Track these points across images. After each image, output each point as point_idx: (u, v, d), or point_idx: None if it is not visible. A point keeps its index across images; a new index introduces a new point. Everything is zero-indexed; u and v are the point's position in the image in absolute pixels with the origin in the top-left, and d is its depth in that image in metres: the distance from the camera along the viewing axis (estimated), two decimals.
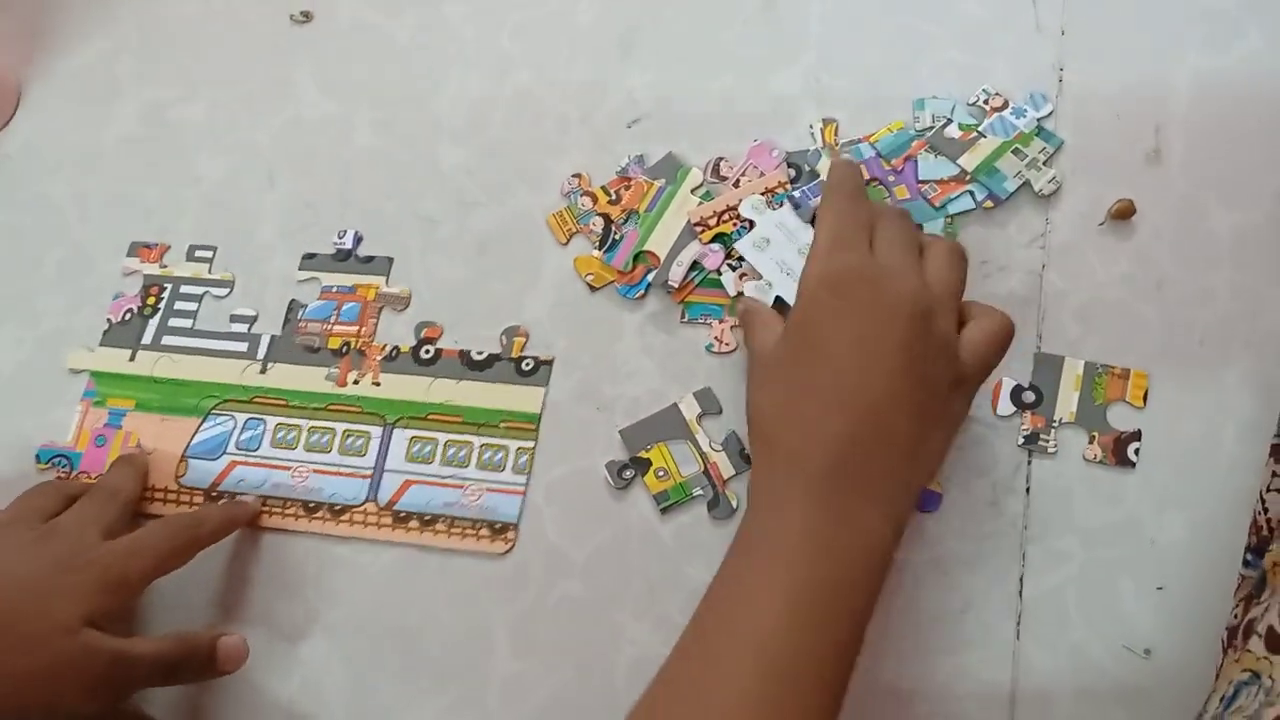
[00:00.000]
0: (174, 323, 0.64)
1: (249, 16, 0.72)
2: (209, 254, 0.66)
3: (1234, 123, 0.59)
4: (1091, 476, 0.54)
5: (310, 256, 0.65)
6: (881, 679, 0.52)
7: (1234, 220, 0.57)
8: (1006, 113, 0.60)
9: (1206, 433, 0.54)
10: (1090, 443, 0.54)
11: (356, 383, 0.61)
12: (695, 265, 0.60)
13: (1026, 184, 0.59)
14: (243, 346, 0.63)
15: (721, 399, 0.58)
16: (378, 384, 0.61)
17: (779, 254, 0.57)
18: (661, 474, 0.57)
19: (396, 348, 0.62)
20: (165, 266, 0.66)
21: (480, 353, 0.61)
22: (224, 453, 0.61)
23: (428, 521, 0.58)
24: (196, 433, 0.62)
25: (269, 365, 0.63)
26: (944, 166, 0.59)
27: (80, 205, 0.68)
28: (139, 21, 0.73)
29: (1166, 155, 0.59)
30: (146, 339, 0.64)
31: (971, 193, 0.59)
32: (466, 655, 0.56)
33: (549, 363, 0.60)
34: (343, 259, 0.64)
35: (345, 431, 0.60)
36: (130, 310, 0.65)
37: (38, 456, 0.62)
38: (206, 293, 0.65)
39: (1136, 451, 0.54)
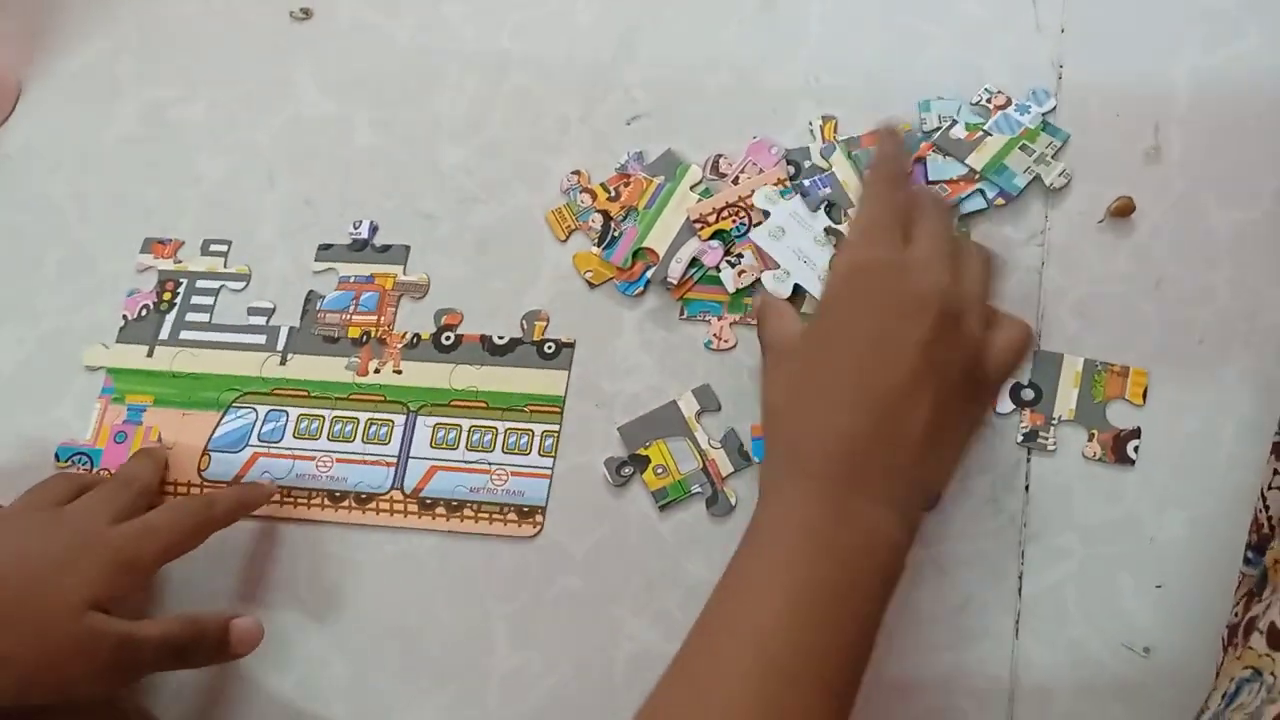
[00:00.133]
0: (191, 317, 0.64)
1: (249, 16, 0.72)
2: (224, 248, 0.66)
3: (1233, 121, 0.59)
4: (1091, 474, 0.54)
5: (326, 247, 0.65)
6: (882, 674, 0.52)
7: (1233, 218, 0.57)
8: (1011, 110, 0.60)
9: (1206, 431, 0.54)
10: (1089, 440, 0.54)
11: (378, 371, 0.61)
12: (694, 262, 0.60)
13: (1036, 179, 0.59)
14: (261, 339, 0.63)
15: (720, 396, 0.58)
16: (399, 372, 0.61)
17: (795, 242, 0.58)
18: (660, 471, 0.57)
19: (417, 335, 0.62)
20: (180, 262, 0.66)
21: (501, 337, 0.61)
22: (246, 445, 0.61)
23: (454, 507, 0.58)
24: (218, 426, 0.62)
25: (289, 357, 0.63)
26: (953, 167, 0.59)
27: (80, 205, 0.68)
28: (139, 21, 0.73)
29: (1166, 153, 0.59)
30: (164, 334, 0.64)
31: (982, 191, 0.59)
32: (466, 651, 0.56)
33: (571, 345, 0.60)
34: (359, 249, 0.64)
35: (369, 420, 0.60)
36: (146, 306, 0.65)
37: (57, 455, 0.62)
38: (223, 286, 0.65)
39: (1136, 449, 0.54)
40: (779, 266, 0.58)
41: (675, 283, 0.60)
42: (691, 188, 0.61)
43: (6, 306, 0.67)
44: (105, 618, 0.49)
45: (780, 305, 0.53)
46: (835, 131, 0.62)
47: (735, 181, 0.61)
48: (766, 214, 0.60)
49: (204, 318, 0.64)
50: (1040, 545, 0.53)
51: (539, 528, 0.57)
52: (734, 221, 0.60)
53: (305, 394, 0.62)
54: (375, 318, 0.63)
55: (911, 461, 0.45)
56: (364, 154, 0.67)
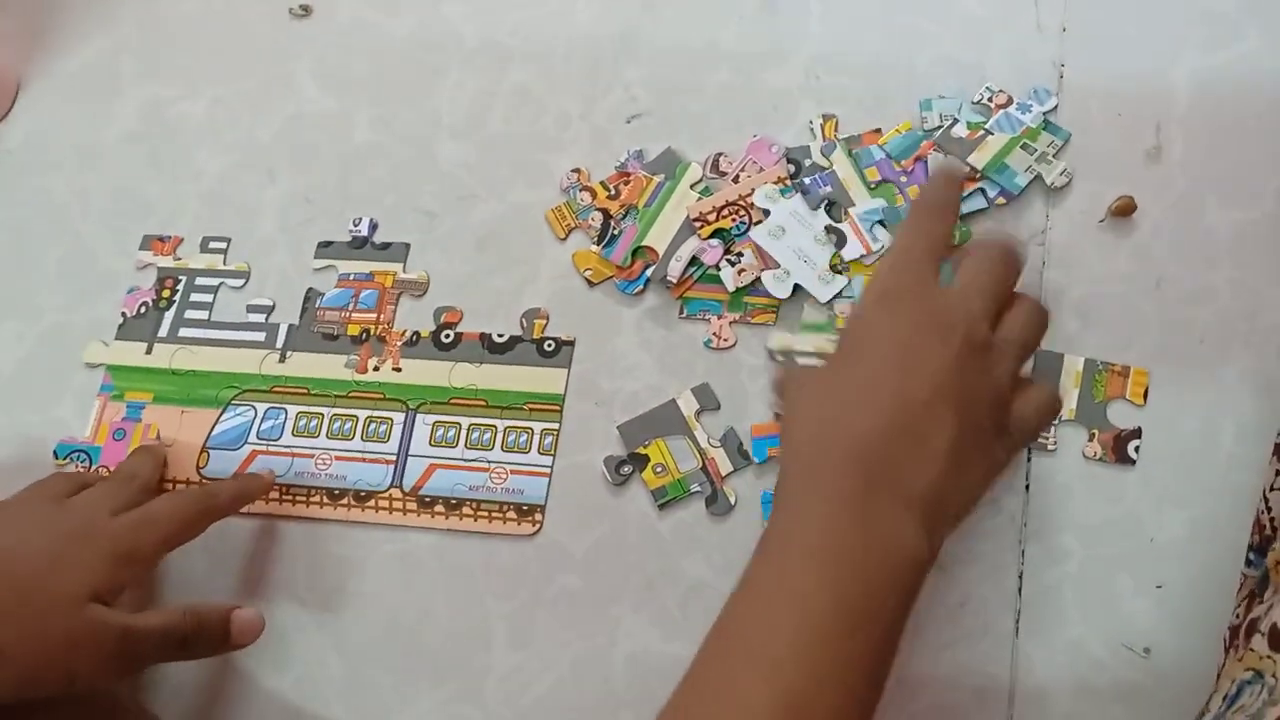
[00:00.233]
0: (190, 314, 0.64)
1: (249, 13, 0.72)
2: (223, 245, 0.66)
3: (1234, 121, 0.59)
4: (1091, 474, 0.54)
5: (326, 244, 0.65)
6: None
7: (1234, 218, 0.57)
8: (1012, 109, 0.60)
9: (1206, 431, 0.54)
10: (1090, 440, 0.54)
11: (377, 369, 0.61)
12: (694, 260, 0.60)
13: (1037, 179, 0.58)
14: (261, 336, 0.63)
15: (720, 395, 0.58)
16: (398, 369, 0.61)
17: (795, 241, 0.58)
18: (659, 470, 0.57)
19: (416, 333, 0.62)
20: (179, 259, 0.66)
21: (501, 335, 0.61)
22: (245, 443, 0.61)
23: (453, 505, 0.58)
24: (217, 423, 0.62)
25: (288, 354, 0.63)
26: None
27: (81, 202, 0.68)
28: (139, 19, 0.73)
29: (1167, 153, 0.59)
30: (163, 332, 0.64)
31: (983, 190, 0.59)
32: (464, 649, 0.56)
33: (570, 343, 0.60)
34: (359, 246, 0.64)
35: (368, 418, 0.60)
36: (145, 303, 0.65)
37: (55, 452, 0.62)
38: (222, 284, 0.65)
39: (1136, 449, 0.54)
40: (779, 266, 0.58)
41: (675, 281, 0.59)
42: (692, 186, 0.61)
43: (6, 303, 0.67)
44: (106, 609, 0.49)
45: (799, 371, 0.52)
46: (836, 130, 0.62)
47: (735, 180, 0.61)
48: (766, 213, 0.60)
49: (203, 315, 0.64)
50: (1040, 545, 0.53)
51: (538, 526, 0.57)
52: (734, 220, 0.60)
53: (304, 391, 0.62)
54: (375, 315, 0.63)
55: (935, 474, 0.43)
56: (364, 151, 0.67)
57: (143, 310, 0.65)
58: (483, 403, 0.60)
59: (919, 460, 0.43)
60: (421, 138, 0.66)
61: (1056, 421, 0.55)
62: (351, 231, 0.65)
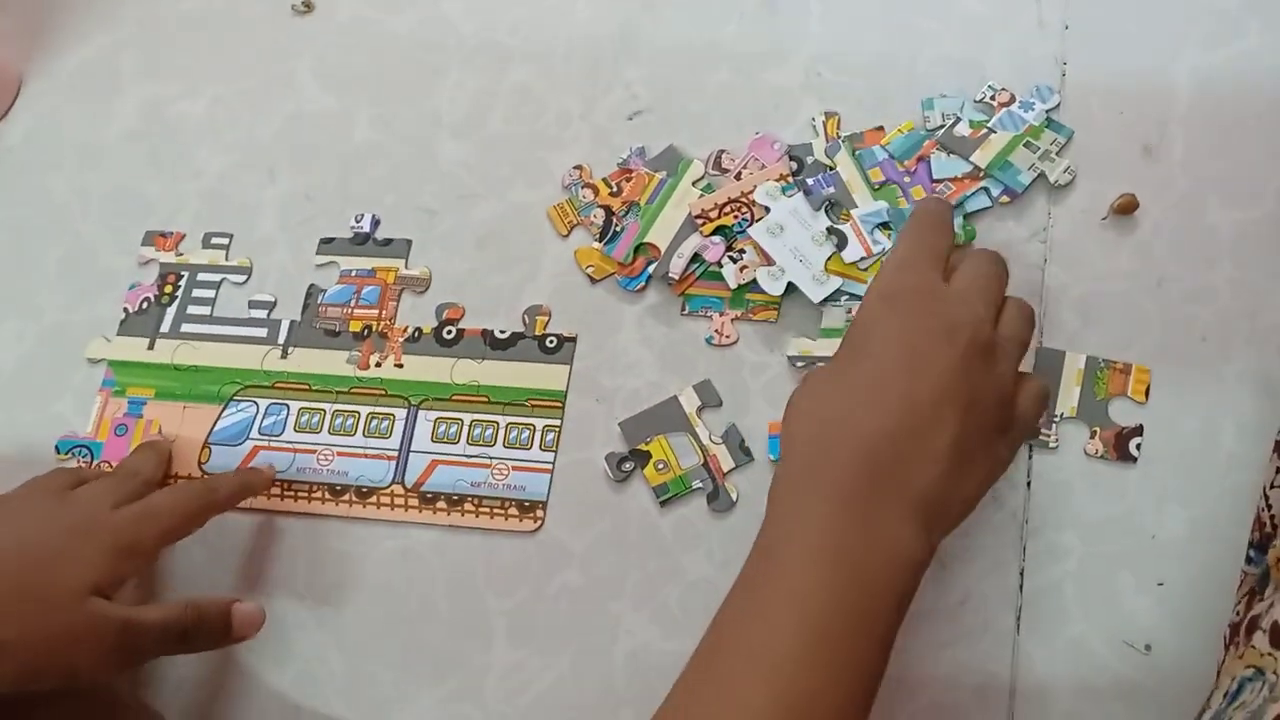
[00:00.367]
0: (192, 310, 0.64)
1: (249, 13, 0.72)
2: (225, 240, 0.66)
3: (1235, 120, 0.59)
4: (1092, 471, 0.54)
5: (328, 241, 0.65)
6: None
7: (1235, 217, 0.57)
8: (1014, 107, 0.60)
9: (1207, 429, 0.54)
10: (1092, 438, 0.54)
11: (379, 365, 0.61)
12: (696, 257, 0.60)
13: (1040, 176, 0.58)
14: (262, 332, 0.63)
15: (721, 391, 0.58)
16: (400, 366, 0.61)
17: (793, 240, 0.58)
18: (661, 466, 0.57)
19: (419, 329, 0.62)
20: (181, 255, 0.66)
21: (503, 332, 0.61)
22: (247, 438, 0.61)
23: (455, 501, 0.58)
24: (219, 419, 0.62)
25: (290, 350, 0.63)
26: (957, 165, 0.59)
27: (82, 199, 0.68)
28: (139, 18, 0.73)
29: (1168, 151, 0.59)
30: (165, 327, 0.64)
31: (986, 189, 0.59)
32: (465, 645, 0.56)
33: (573, 339, 0.60)
34: (361, 242, 0.64)
35: (370, 414, 0.60)
36: (147, 299, 0.65)
37: (57, 448, 0.62)
38: (224, 280, 0.65)
39: (1138, 447, 0.54)
40: (774, 263, 0.58)
41: (677, 278, 0.59)
42: (694, 183, 0.61)
43: (7, 300, 0.67)
44: (106, 603, 0.49)
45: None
46: (839, 128, 0.62)
47: (738, 177, 0.61)
48: (768, 209, 0.60)
49: (205, 311, 0.64)
50: (1041, 542, 0.53)
51: (539, 523, 0.57)
52: (736, 217, 0.60)
53: (306, 387, 0.61)
54: (377, 311, 0.63)
55: (938, 474, 0.43)
56: (364, 150, 0.67)
57: (145, 306, 0.65)
58: (484, 399, 0.60)
59: (923, 461, 0.43)
60: (422, 136, 0.66)
61: (1057, 419, 0.55)
62: (353, 228, 0.65)
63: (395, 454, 0.59)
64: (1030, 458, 0.55)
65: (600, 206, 0.62)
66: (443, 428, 0.59)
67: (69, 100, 0.72)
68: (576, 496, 0.57)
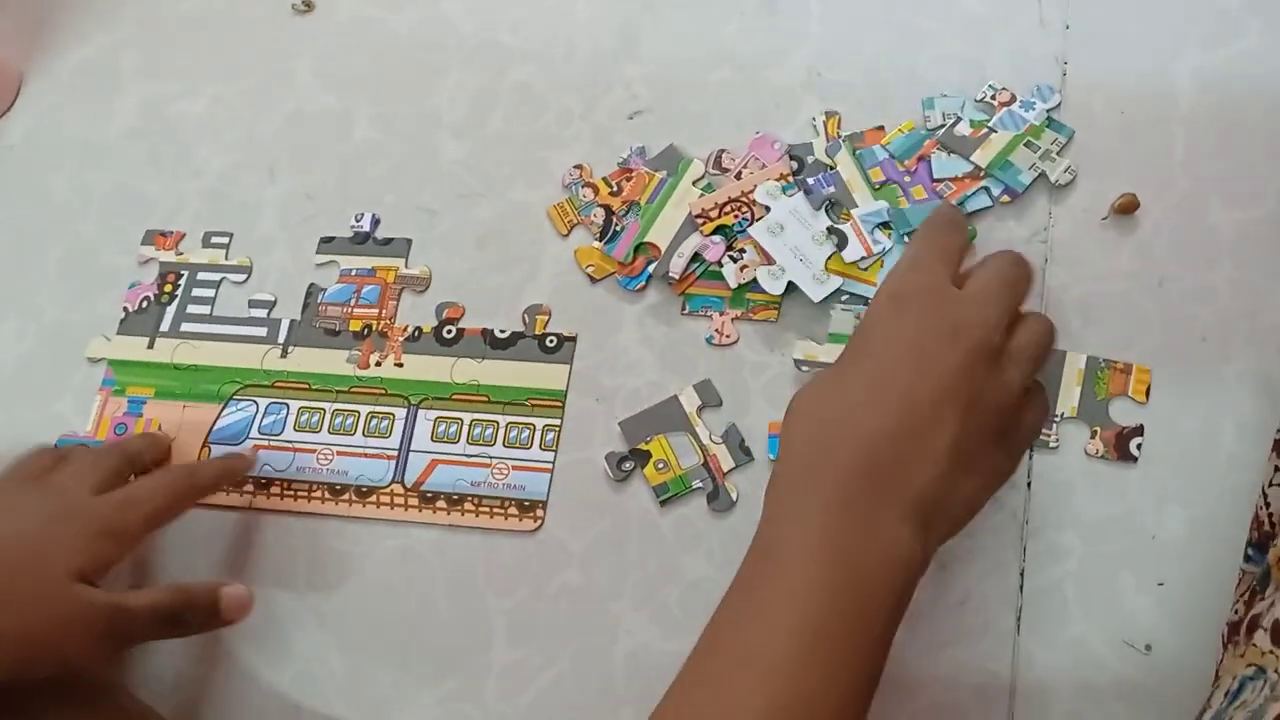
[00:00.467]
0: (192, 309, 0.64)
1: (249, 11, 0.72)
2: (225, 240, 0.66)
3: (1236, 120, 0.59)
4: (1093, 471, 0.54)
5: (328, 240, 0.65)
6: (883, 670, 0.52)
7: (1235, 217, 0.57)
8: (1015, 106, 0.60)
9: (1208, 429, 0.54)
10: (1092, 437, 0.54)
11: (379, 364, 0.61)
12: (696, 257, 0.60)
13: (1041, 176, 0.58)
14: (262, 331, 0.63)
15: (722, 391, 0.58)
16: (400, 365, 0.61)
17: (793, 240, 0.58)
18: (661, 466, 0.57)
19: (418, 328, 0.62)
20: (181, 254, 0.66)
21: (503, 331, 0.61)
22: (247, 438, 0.61)
23: (455, 501, 0.58)
24: (219, 418, 0.62)
25: (290, 349, 0.63)
26: (957, 164, 0.59)
27: (82, 198, 0.68)
28: (140, 16, 0.73)
29: (1169, 151, 0.59)
30: (165, 326, 0.64)
31: (987, 189, 0.59)
32: (465, 645, 0.56)
33: (573, 339, 0.60)
34: (361, 242, 0.64)
35: (370, 413, 0.60)
36: (147, 298, 0.65)
37: (57, 446, 0.62)
38: (224, 279, 0.65)
39: (1138, 447, 0.54)
40: (774, 263, 0.58)
41: (677, 278, 0.59)
42: (694, 183, 0.61)
43: (7, 299, 0.67)
44: (93, 590, 0.49)
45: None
46: (839, 127, 0.62)
47: (738, 176, 0.61)
48: (768, 209, 0.59)
49: (205, 310, 0.64)
50: (1042, 542, 0.53)
51: (539, 522, 0.57)
52: (736, 216, 0.60)
53: (306, 387, 0.61)
54: (377, 311, 0.62)
55: (935, 475, 0.43)
56: (364, 149, 0.67)
57: (144, 305, 0.65)
58: (484, 398, 0.60)
59: (922, 461, 0.43)
60: (422, 136, 0.66)
61: (1057, 419, 0.55)
62: (354, 227, 0.65)
63: (395, 453, 0.59)
64: (1030, 458, 0.54)
65: (600, 206, 0.62)
66: (443, 427, 0.59)
67: (69, 99, 0.72)
68: (576, 496, 0.57)
